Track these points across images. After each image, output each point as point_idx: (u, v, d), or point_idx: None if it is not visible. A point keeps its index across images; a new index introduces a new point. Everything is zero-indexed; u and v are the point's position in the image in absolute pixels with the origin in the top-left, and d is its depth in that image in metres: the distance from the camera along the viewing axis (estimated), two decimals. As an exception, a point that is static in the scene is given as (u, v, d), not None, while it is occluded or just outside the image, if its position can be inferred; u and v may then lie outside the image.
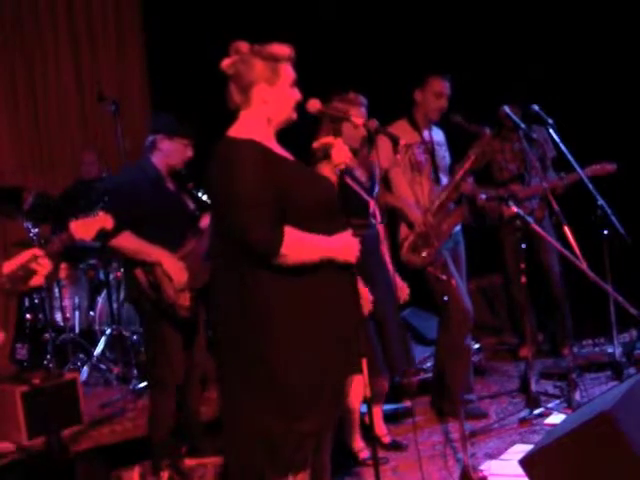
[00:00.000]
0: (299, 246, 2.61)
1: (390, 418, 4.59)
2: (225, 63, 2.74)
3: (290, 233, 2.61)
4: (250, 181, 2.59)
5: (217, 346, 2.82)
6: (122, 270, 5.52)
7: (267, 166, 2.62)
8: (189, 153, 4.03)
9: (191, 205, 4.18)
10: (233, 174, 2.61)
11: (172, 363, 3.94)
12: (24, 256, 2.77)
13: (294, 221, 2.63)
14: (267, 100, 2.73)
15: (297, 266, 2.61)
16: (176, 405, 4.17)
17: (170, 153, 3.99)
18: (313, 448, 2.74)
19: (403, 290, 4.14)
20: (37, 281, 2.79)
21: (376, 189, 4.09)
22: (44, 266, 2.78)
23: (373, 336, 3.90)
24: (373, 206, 4.02)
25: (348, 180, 3.68)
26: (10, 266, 2.76)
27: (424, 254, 4.41)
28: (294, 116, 2.79)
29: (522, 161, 5.64)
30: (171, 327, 3.92)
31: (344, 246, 2.71)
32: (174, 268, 3.85)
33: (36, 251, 2.78)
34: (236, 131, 2.73)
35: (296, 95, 2.77)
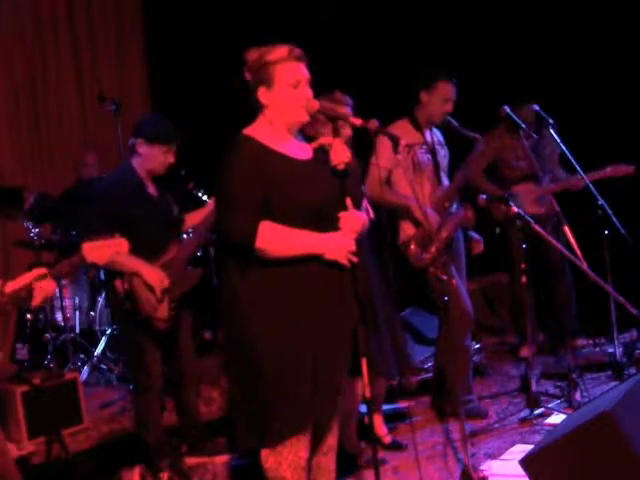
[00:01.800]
0: (277, 240, 2.66)
1: (390, 418, 4.59)
2: (244, 71, 2.82)
3: (267, 227, 2.65)
4: (235, 175, 2.67)
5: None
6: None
7: (256, 162, 2.68)
8: (170, 159, 3.95)
9: (175, 210, 4.11)
10: (223, 167, 2.71)
11: (149, 370, 3.91)
12: (29, 276, 2.72)
13: (283, 219, 2.67)
14: (267, 103, 2.78)
15: (280, 259, 2.66)
16: (176, 406, 4.17)
17: (148, 158, 3.92)
18: (303, 435, 2.75)
19: None
20: (37, 302, 2.72)
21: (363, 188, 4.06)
22: (48, 286, 2.73)
23: (385, 334, 3.88)
24: (365, 203, 4.00)
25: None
26: (13, 286, 2.71)
27: (429, 254, 4.42)
28: (304, 117, 2.80)
29: (533, 159, 5.59)
30: (149, 337, 3.88)
31: (332, 244, 2.71)
32: (153, 277, 3.79)
33: (42, 270, 2.73)
34: (245, 130, 2.81)
35: (301, 95, 2.76)
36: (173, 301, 3.86)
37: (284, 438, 2.69)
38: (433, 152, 4.60)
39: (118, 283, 3.81)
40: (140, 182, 3.93)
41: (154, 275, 3.80)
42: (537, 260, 5.44)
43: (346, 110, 3.84)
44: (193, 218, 4.11)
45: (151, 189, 3.98)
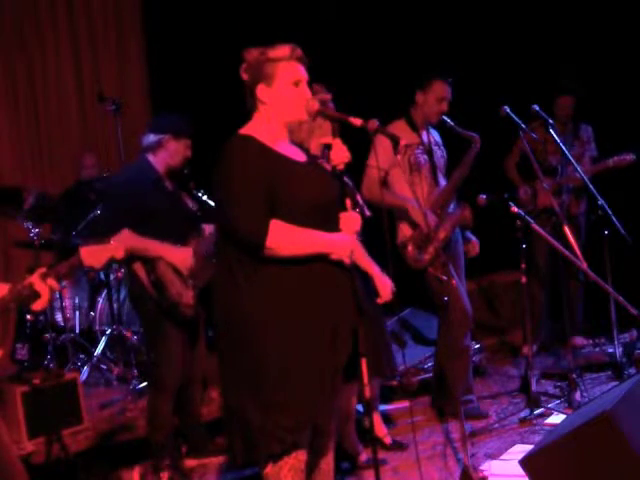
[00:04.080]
0: (288, 239, 2.65)
1: (390, 418, 4.59)
2: (241, 71, 2.81)
3: (277, 226, 2.64)
4: (240, 174, 2.65)
5: (216, 341, 2.85)
6: (123, 270, 5.53)
7: (260, 161, 2.67)
8: (188, 153, 4.07)
9: (192, 205, 4.19)
10: (226, 167, 2.69)
11: (173, 363, 3.94)
12: (31, 278, 2.73)
13: (287, 218, 2.66)
14: (265, 100, 2.77)
15: (288, 259, 2.65)
16: (177, 405, 4.17)
17: (174, 153, 4.03)
18: (303, 438, 2.73)
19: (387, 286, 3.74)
20: (45, 301, 2.73)
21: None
22: (54, 285, 2.74)
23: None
24: (361, 199, 4.00)
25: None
26: (15, 285, 2.73)
27: (426, 255, 4.41)
28: (302, 116, 2.81)
29: (562, 155, 5.55)
30: (174, 326, 3.92)
31: (339, 244, 2.72)
32: (178, 257, 3.88)
33: (42, 269, 2.74)
34: (242, 129, 2.80)
35: (300, 95, 2.77)
36: (195, 288, 3.92)
37: (286, 444, 2.66)
38: (430, 152, 4.60)
39: (140, 271, 3.86)
40: (159, 177, 4.03)
41: (178, 255, 3.89)
42: (554, 257, 5.41)
43: (328, 99, 3.82)
44: None
45: (168, 184, 4.07)
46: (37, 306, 2.75)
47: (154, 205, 3.90)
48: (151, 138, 4.03)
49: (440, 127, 4.66)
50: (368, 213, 3.96)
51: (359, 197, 4.00)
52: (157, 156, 4.03)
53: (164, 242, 3.89)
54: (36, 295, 2.73)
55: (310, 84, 2.83)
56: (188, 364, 4.11)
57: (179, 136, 4.02)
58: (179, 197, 4.13)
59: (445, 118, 4.51)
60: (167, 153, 4.02)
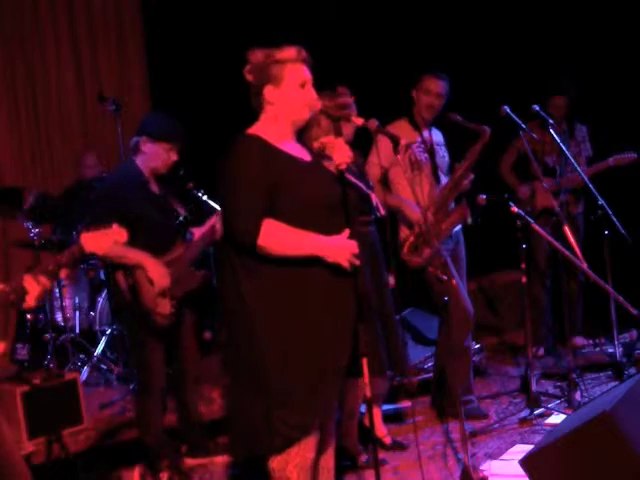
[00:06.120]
0: (280, 239, 2.67)
1: (390, 418, 4.59)
2: (245, 72, 2.84)
3: (270, 226, 2.66)
4: (241, 172, 2.68)
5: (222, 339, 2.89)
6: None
7: (264, 160, 2.69)
8: (173, 157, 3.94)
9: (180, 210, 4.10)
10: (229, 165, 2.73)
11: (152, 369, 3.90)
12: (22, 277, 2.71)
13: (289, 218, 2.68)
14: (273, 101, 2.80)
15: (283, 258, 2.67)
16: (175, 406, 4.17)
17: (152, 156, 3.91)
18: (311, 436, 2.74)
19: None
20: (32, 299, 2.68)
21: (370, 183, 4.09)
22: (45, 282, 2.71)
23: (380, 335, 3.87)
24: (375, 199, 4.00)
25: (348, 176, 3.59)
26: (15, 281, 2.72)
27: (424, 254, 4.40)
28: (307, 115, 2.84)
29: (559, 155, 5.55)
30: (151, 333, 3.86)
31: (335, 247, 2.72)
32: (157, 272, 3.79)
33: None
34: (249, 129, 2.83)
35: (307, 95, 2.81)
36: (174, 298, 3.86)
37: (293, 441, 2.68)
38: (431, 151, 4.60)
39: (120, 277, 3.80)
40: (144, 180, 3.94)
41: (157, 269, 3.80)
42: (554, 257, 5.39)
43: (351, 103, 3.83)
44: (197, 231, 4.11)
45: (154, 188, 3.99)
46: (26, 304, 2.70)
47: (137, 209, 3.80)
48: (133, 140, 3.96)
49: (444, 127, 4.66)
50: (383, 212, 3.96)
51: (373, 197, 4.00)
52: (138, 158, 3.94)
53: (147, 248, 3.79)
54: (25, 292, 2.70)
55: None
56: (180, 367, 4.09)
57: (155, 138, 3.87)
58: (165, 201, 4.03)
59: (453, 114, 4.47)
60: (145, 156, 3.91)
